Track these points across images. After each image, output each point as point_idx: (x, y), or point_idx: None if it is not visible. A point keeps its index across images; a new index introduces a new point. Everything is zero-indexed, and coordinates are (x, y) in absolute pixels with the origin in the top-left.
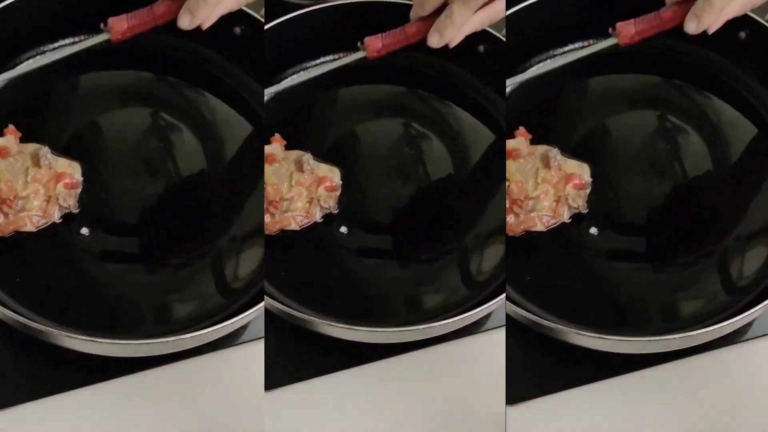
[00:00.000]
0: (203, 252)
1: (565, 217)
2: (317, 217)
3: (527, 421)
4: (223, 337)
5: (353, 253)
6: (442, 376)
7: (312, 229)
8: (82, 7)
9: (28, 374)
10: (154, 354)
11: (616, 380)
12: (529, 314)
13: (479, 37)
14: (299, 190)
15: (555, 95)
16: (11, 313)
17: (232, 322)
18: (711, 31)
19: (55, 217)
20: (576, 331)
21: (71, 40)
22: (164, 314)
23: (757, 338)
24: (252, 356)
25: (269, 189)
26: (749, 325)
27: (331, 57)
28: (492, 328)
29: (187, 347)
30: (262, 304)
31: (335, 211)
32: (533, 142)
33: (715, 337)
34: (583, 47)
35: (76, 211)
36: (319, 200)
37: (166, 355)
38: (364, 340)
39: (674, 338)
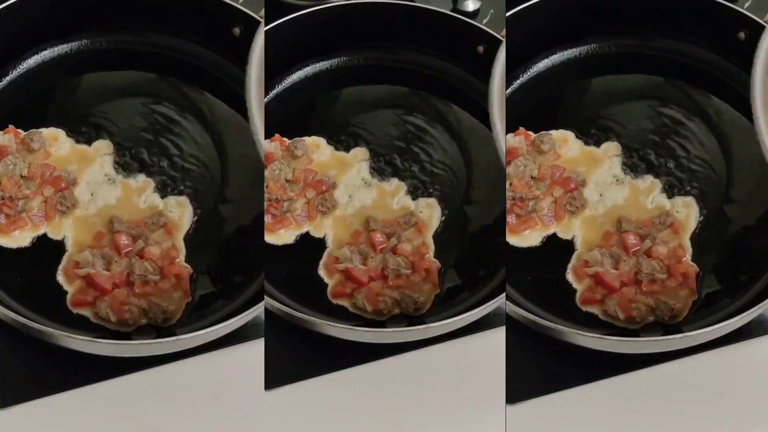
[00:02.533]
0: (203, 252)
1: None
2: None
3: (527, 420)
4: (223, 337)
5: None
6: (442, 375)
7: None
8: (82, 8)
9: (28, 374)
10: (153, 354)
11: (616, 380)
12: (530, 314)
13: (479, 37)
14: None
15: (555, 95)
16: (11, 313)
17: (232, 322)
18: None
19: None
20: (576, 331)
21: (71, 41)
22: None
23: (757, 338)
24: (252, 356)
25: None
26: (749, 324)
27: (331, 58)
28: (492, 328)
29: (187, 347)
30: (262, 304)
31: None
32: None
33: (715, 337)
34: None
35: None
36: (317, 204)
37: (166, 354)
38: (364, 340)
39: (674, 338)
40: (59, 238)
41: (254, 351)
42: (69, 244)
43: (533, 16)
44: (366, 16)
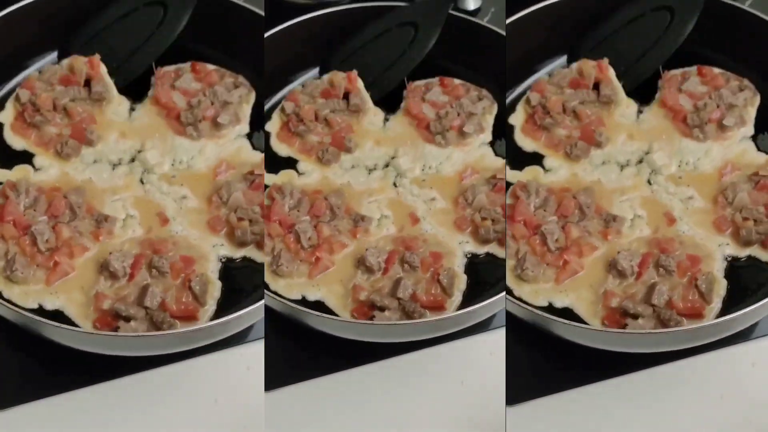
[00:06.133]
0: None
1: None
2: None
3: (527, 421)
4: (223, 337)
5: None
6: (442, 376)
7: None
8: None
9: (26, 376)
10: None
11: (615, 381)
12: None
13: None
14: None
15: None
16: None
17: (234, 317)
18: None
19: None
20: (575, 324)
21: None
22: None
23: (756, 340)
24: (252, 356)
25: None
26: (750, 325)
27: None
28: (492, 328)
29: (186, 347)
30: (262, 302)
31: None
32: None
33: (715, 337)
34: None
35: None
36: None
37: (167, 355)
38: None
39: (673, 331)
40: (38, 167)
41: (254, 351)
42: (37, 175)
43: (533, 24)
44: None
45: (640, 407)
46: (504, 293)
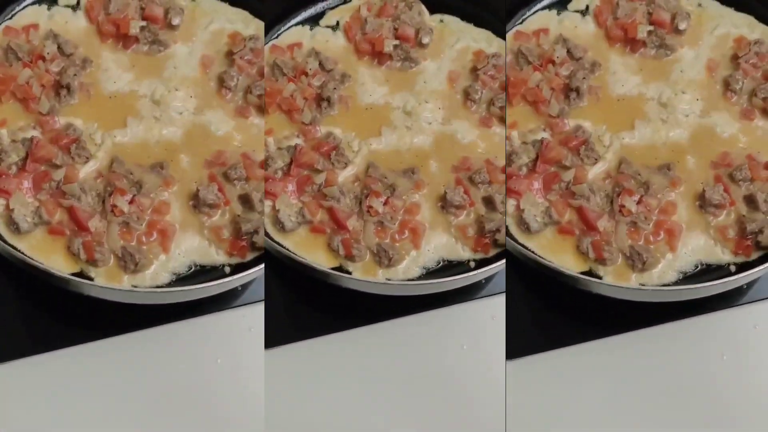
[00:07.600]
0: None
1: None
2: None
3: (527, 376)
4: (224, 296)
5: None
6: (442, 339)
7: None
8: None
9: (30, 329)
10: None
11: (617, 338)
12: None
13: None
14: None
15: None
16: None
17: (237, 277)
18: None
19: None
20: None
21: None
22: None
23: (758, 302)
24: (252, 316)
25: None
26: (750, 286)
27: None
28: (493, 294)
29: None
30: (262, 266)
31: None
32: None
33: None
34: None
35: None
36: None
37: (167, 313)
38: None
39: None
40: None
41: (254, 311)
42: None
43: None
44: None
45: (639, 364)
46: (504, 261)
